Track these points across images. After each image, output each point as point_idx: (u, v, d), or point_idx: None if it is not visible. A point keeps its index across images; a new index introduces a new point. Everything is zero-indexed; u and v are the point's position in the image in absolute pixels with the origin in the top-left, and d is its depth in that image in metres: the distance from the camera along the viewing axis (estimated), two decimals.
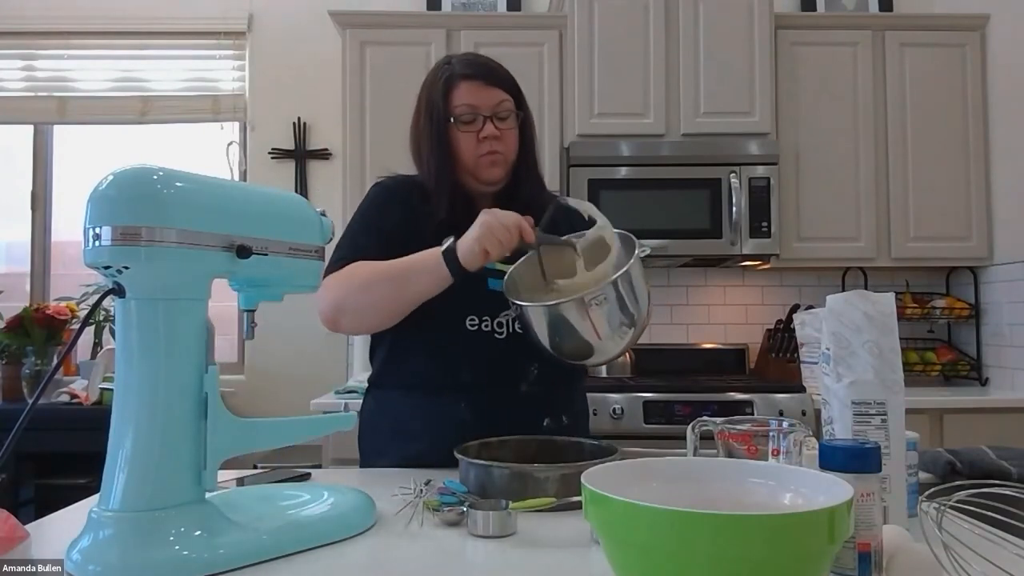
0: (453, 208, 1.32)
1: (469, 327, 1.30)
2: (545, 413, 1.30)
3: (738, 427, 0.88)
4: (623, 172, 2.78)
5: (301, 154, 3.24)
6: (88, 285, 3.03)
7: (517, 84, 1.38)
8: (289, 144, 3.25)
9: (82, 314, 2.94)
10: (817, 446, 0.70)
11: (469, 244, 1.15)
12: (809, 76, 2.91)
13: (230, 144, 3.29)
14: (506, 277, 1.20)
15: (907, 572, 0.65)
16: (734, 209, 2.75)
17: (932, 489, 0.81)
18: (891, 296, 0.84)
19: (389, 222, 1.34)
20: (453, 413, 1.25)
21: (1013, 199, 2.82)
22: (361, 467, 1.36)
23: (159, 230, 0.72)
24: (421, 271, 1.20)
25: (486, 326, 1.30)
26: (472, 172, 1.35)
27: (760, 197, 2.78)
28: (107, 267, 0.73)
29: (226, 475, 1.14)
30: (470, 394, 1.27)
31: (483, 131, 1.31)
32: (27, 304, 2.95)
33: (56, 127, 3.37)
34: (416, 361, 1.31)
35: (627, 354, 2.85)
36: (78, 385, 2.81)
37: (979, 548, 0.70)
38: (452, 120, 1.32)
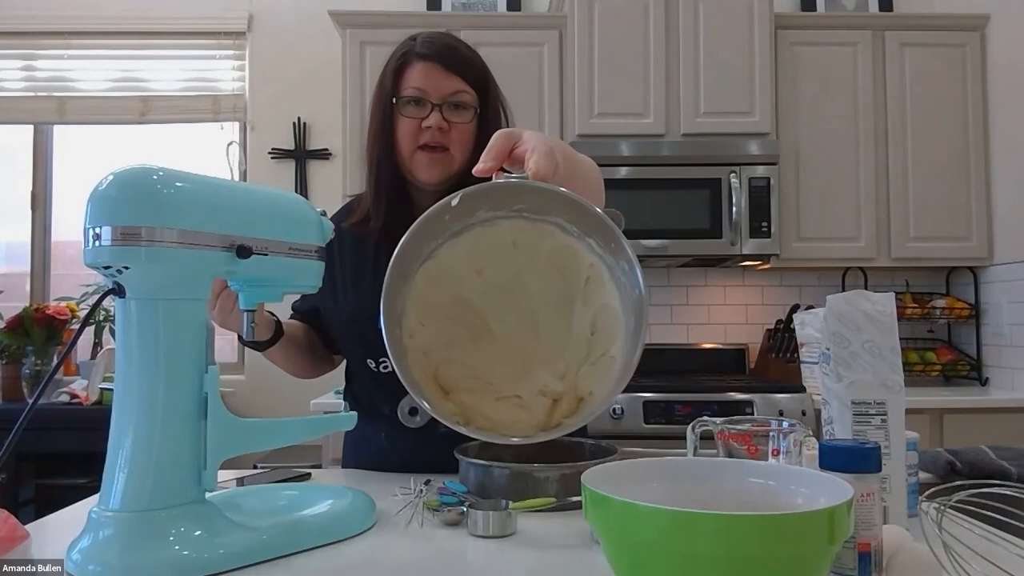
0: (390, 210, 1.21)
1: (371, 367, 1.23)
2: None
3: (738, 427, 0.88)
4: (623, 172, 2.78)
5: (301, 154, 3.24)
6: (88, 285, 3.03)
7: (485, 75, 1.23)
8: (289, 144, 3.25)
9: (82, 314, 2.94)
10: (817, 446, 0.70)
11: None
12: (809, 76, 2.91)
13: (230, 144, 3.29)
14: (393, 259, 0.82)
15: (907, 572, 0.65)
16: (734, 209, 2.75)
17: (932, 489, 0.81)
18: (891, 296, 0.84)
19: (331, 270, 1.20)
20: (375, 441, 1.26)
21: (1013, 199, 2.82)
22: None
23: (159, 230, 0.72)
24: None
25: (384, 367, 1.21)
26: (408, 167, 1.20)
27: (760, 197, 2.78)
28: (107, 267, 0.73)
29: (226, 475, 1.14)
30: (391, 428, 1.17)
31: (427, 119, 1.16)
32: (27, 304, 2.95)
33: (56, 127, 3.37)
34: (354, 388, 1.34)
35: None
36: (78, 385, 2.81)
37: (979, 548, 0.70)
38: (395, 101, 1.18)
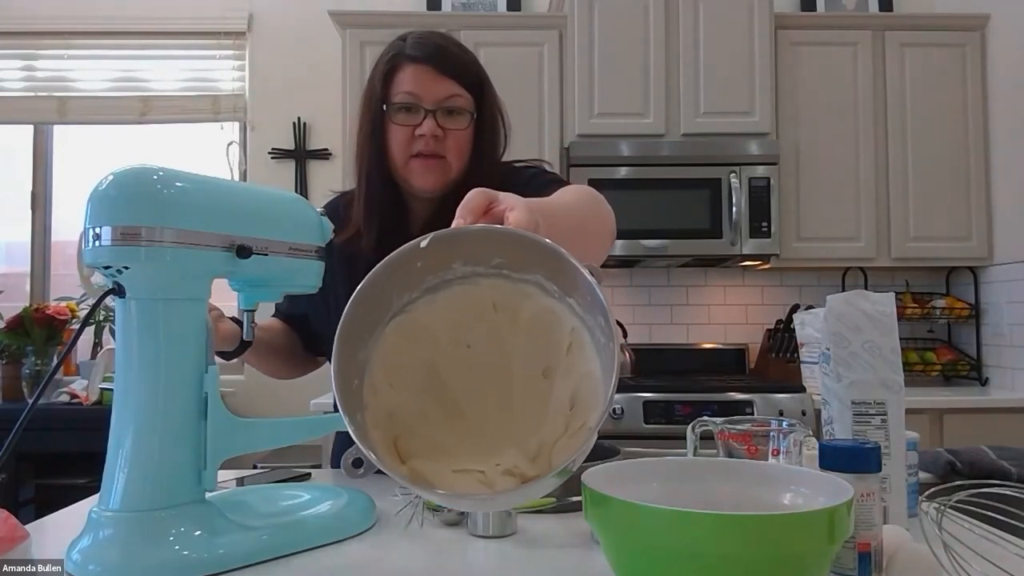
0: (383, 225, 1.15)
1: None
2: None
3: (738, 427, 0.88)
4: (623, 172, 2.78)
5: (301, 154, 3.24)
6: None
7: (481, 77, 1.17)
8: (289, 144, 3.25)
9: (82, 314, 2.94)
10: (817, 446, 0.70)
11: None
12: (809, 76, 2.91)
13: (230, 144, 3.29)
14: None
15: (907, 572, 0.65)
16: (734, 209, 2.75)
17: (932, 489, 0.81)
18: (891, 296, 0.84)
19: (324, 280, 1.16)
20: None
21: (1013, 199, 2.82)
22: None
23: (159, 230, 0.72)
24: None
25: None
26: (402, 175, 1.15)
27: (760, 197, 2.78)
28: (107, 267, 0.73)
29: (226, 475, 1.14)
30: None
31: (420, 127, 1.11)
32: (27, 304, 2.95)
33: (56, 127, 3.37)
34: None
35: (627, 354, 2.85)
36: (78, 385, 2.81)
37: (979, 548, 0.70)
38: (386, 108, 1.13)
